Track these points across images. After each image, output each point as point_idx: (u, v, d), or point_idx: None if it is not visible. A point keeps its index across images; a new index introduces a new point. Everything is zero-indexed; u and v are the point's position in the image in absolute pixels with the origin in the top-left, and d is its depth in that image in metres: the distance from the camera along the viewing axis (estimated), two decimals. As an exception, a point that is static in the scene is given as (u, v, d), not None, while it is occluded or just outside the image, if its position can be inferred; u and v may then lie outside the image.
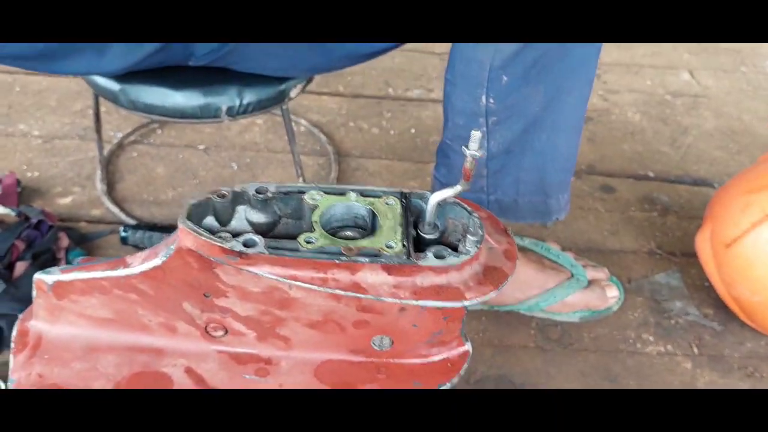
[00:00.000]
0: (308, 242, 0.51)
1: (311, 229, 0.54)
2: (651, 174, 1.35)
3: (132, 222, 1.11)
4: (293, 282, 0.50)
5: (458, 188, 0.52)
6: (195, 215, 0.55)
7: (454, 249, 0.53)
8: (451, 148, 0.84)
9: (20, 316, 0.61)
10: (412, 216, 0.55)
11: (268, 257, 0.50)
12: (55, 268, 0.58)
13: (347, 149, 1.37)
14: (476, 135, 0.48)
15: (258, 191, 0.56)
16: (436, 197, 0.53)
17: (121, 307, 0.58)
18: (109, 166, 1.23)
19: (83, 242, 1.07)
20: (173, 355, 0.59)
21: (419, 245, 0.54)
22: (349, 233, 0.56)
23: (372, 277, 0.50)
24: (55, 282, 0.57)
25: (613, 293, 1.03)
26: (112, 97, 0.97)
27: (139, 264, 0.55)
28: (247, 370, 0.59)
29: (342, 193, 0.57)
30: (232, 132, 1.36)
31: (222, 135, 1.34)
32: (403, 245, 0.51)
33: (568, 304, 1.01)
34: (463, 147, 0.50)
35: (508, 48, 0.72)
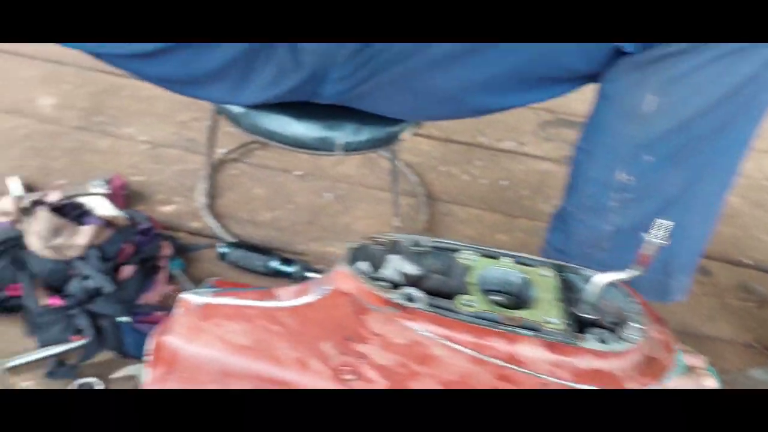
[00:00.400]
0: (466, 305, 0.51)
1: (465, 290, 0.53)
2: (748, 261, 1.31)
3: (230, 239, 1.13)
4: (449, 343, 0.50)
5: (631, 273, 0.51)
6: (352, 258, 0.55)
7: (610, 332, 0.52)
8: (573, 215, 0.83)
9: (155, 329, 0.62)
10: (569, 292, 0.54)
11: (428, 314, 0.50)
12: (205, 290, 0.58)
13: (437, 193, 1.37)
14: (666, 224, 0.47)
15: (414, 243, 0.56)
16: (603, 279, 0.52)
17: (260, 336, 0.58)
18: (210, 177, 1.25)
19: (183, 252, 1.08)
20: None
21: (577, 325, 0.52)
22: (499, 298, 0.55)
23: (531, 351, 0.49)
24: (204, 304, 0.57)
25: (709, 384, 1.00)
26: (234, 118, 0.99)
27: (289, 298, 0.56)
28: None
29: (495, 257, 0.56)
30: (327, 162, 1.37)
31: (318, 164, 1.36)
32: (566, 323, 0.50)
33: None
34: (646, 234, 0.49)
35: (657, 128, 0.71)
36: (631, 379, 0.49)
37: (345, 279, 0.53)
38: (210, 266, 1.08)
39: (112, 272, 0.94)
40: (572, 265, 0.56)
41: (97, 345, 0.91)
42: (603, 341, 0.50)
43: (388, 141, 1.02)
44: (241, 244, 1.08)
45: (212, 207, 1.20)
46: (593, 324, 0.52)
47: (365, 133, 0.99)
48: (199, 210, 1.18)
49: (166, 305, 1.00)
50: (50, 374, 0.87)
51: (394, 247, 0.56)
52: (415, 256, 0.56)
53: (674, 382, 0.96)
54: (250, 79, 0.84)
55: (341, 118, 0.98)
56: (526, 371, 0.49)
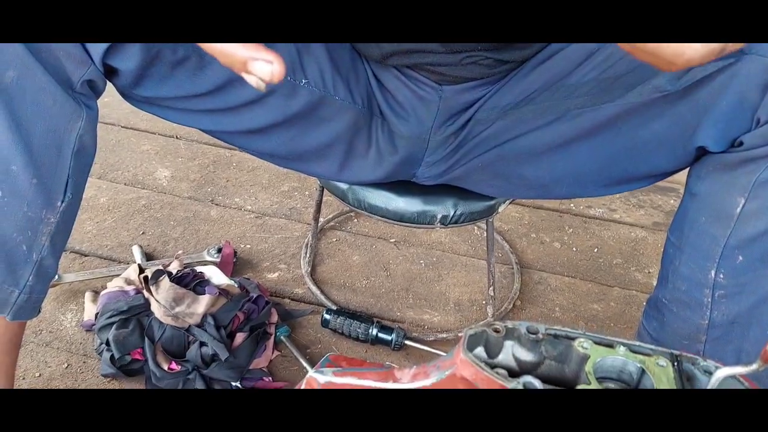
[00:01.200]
0: (586, 394, 0.53)
1: (580, 378, 0.55)
2: None
3: (330, 305, 1.18)
4: (569, 432, 0.52)
5: (753, 367, 0.52)
6: (469, 344, 0.58)
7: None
8: (667, 307, 0.83)
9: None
10: (687, 383, 0.55)
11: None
12: (328, 369, 0.63)
13: (529, 261, 1.38)
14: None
15: (530, 331, 0.58)
16: (724, 372, 0.53)
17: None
18: (312, 243, 1.32)
19: (288, 319, 1.14)
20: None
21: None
22: (611, 385, 0.57)
23: (650, 442, 0.51)
24: (327, 382, 0.62)
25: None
26: (340, 194, 1.05)
27: (408, 380, 0.59)
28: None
29: (611, 345, 0.58)
30: (420, 230, 1.42)
31: (412, 231, 1.41)
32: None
33: None
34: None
35: (748, 230, 0.72)
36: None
37: (465, 366, 0.56)
38: (313, 332, 1.14)
39: (227, 339, 1.01)
40: (689, 354, 0.58)
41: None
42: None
43: (485, 214, 1.06)
44: (343, 312, 1.13)
45: (313, 274, 1.26)
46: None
47: (462, 207, 1.03)
48: (303, 277, 1.24)
49: (273, 369, 1.06)
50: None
51: (510, 333, 0.59)
52: (530, 344, 0.58)
53: None
54: (353, 159, 0.90)
55: (440, 194, 1.02)
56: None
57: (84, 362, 1.04)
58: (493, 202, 1.05)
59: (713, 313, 0.78)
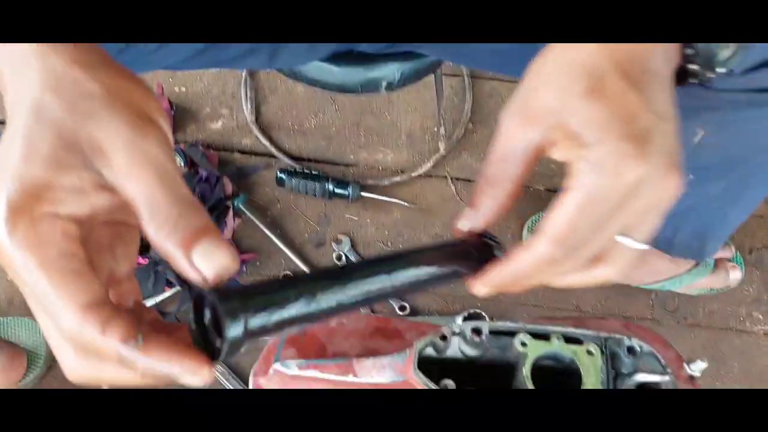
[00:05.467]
0: (523, 402, 0.60)
1: (520, 363, 0.62)
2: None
3: (282, 156, 1.17)
4: (508, 434, 0.60)
5: (665, 379, 0.58)
6: (419, 352, 0.63)
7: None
8: None
9: (253, 369, 0.73)
10: (612, 370, 0.62)
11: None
12: (292, 362, 0.68)
13: (480, 71, 1.32)
14: (702, 365, 0.54)
15: (474, 331, 0.63)
16: (641, 378, 0.60)
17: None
18: (250, 82, 1.25)
19: (240, 178, 1.15)
20: (382, 420, 0.72)
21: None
22: (550, 362, 0.64)
23: (575, 438, 0.60)
24: (294, 375, 0.68)
25: (736, 275, 1.09)
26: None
27: (365, 375, 0.66)
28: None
29: (548, 337, 0.63)
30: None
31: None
32: (604, 411, 0.60)
33: (692, 286, 1.08)
34: (685, 364, 0.55)
35: (702, 159, 0.71)
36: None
37: (414, 381, 0.62)
38: (270, 191, 1.15)
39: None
40: (617, 336, 0.64)
41: (188, 293, 1.04)
42: (637, 424, 0.60)
43: (431, 69, 1.00)
44: (297, 173, 1.13)
45: (258, 118, 1.21)
46: (630, 405, 0.62)
47: (408, 69, 0.97)
48: (248, 125, 1.20)
49: (237, 240, 1.10)
50: (155, 325, 1.01)
51: (458, 332, 0.64)
52: (475, 343, 0.63)
53: (701, 281, 1.06)
54: (283, 48, 0.82)
55: (383, 60, 0.95)
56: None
57: (52, 256, 1.07)
58: (437, 59, 0.98)
59: None
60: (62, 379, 0.97)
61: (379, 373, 0.65)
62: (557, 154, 0.37)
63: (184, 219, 0.31)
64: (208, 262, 0.30)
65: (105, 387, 0.35)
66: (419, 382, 0.61)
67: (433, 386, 0.61)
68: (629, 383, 0.61)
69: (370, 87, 0.97)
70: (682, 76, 0.43)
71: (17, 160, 0.29)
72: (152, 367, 0.30)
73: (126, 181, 0.30)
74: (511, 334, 0.64)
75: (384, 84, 0.97)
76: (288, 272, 1.08)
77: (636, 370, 0.62)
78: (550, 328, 0.64)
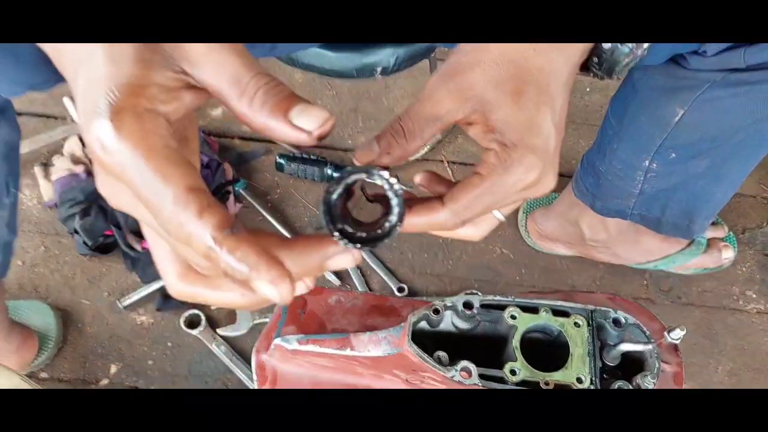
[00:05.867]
0: (512, 372, 0.62)
1: (510, 336, 0.64)
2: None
3: (281, 141, 1.19)
4: (498, 403, 0.63)
5: (648, 348, 0.61)
6: (413, 324, 0.65)
7: (633, 369, 0.64)
8: (604, 176, 0.87)
9: (255, 347, 0.76)
10: (598, 341, 0.65)
11: (481, 388, 0.62)
12: (292, 338, 0.71)
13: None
14: (681, 333, 0.56)
15: (465, 306, 0.65)
16: (625, 348, 0.62)
17: (342, 364, 0.72)
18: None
19: (241, 164, 1.17)
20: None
21: (603, 375, 0.64)
22: (539, 335, 0.67)
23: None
24: (294, 350, 0.70)
25: (728, 255, 1.11)
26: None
27: (364, 350, 0.68)
28: (436, 409, 0.74)
29: (536, 309, 0.66)
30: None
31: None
32: (593, 380, 0.62)
33: (685, 265, 1.10)
34: (666, 332, 0.58)
35: (683, 137, 0.73)
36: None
37: (408, 353, 0.64)
38: (270, 176, 1.17)
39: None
40: (603, 308, 0.66)
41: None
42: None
43: (426, 54, 1.02)
44: (296, 157, 1.15)
45: (259, 106, 1.24)
46: (615, 374, 0.64)
47: (402, 54, 0.99)
48: (248, 112, 1.22)
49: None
50: (159, 308, 1.04)
51: (451, 308, 0.66)
52: (466, 317, 0.66)
53: (694, 260, 1.08)
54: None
55: (377, 45, 0.97)
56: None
57: (59, 242, 1.09)
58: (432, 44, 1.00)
59: (644, 186, 0.84)
60: (71, 360, 1.00)
61: (375, 346, 0.68)
62: (470, 132, 0.42)
63: (272, 88, 0.32)
64: (308, 118, 0.32)
65: (201, 302, 0.37)
66: (413, 353, 0.64)
67: (426, 357, 0.64)
68: (614, 353, 0.63)
69: (365, 72, 0.99)
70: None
71: (106, 67, 0.31)
72: (234, 266, 0.30)
73: (210, 68, 0.32)
74: (502, 307, 0.66)
75: (379, 69, 0.99)
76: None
77: (621, 341, 0.64)
78: (538, 301, 0.66)
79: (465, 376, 0.63)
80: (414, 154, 0.44)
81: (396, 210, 0.36)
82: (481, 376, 0.63)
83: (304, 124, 0.32)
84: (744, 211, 1.20)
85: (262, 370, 0.75)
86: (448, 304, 0.66)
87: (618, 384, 0.63)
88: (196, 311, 1.03)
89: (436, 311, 0.66)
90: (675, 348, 0.68)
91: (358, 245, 0.35)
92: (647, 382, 0.62)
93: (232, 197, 1.11)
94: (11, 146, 0.68)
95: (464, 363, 0.63)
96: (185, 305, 1.04)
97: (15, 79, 0.49)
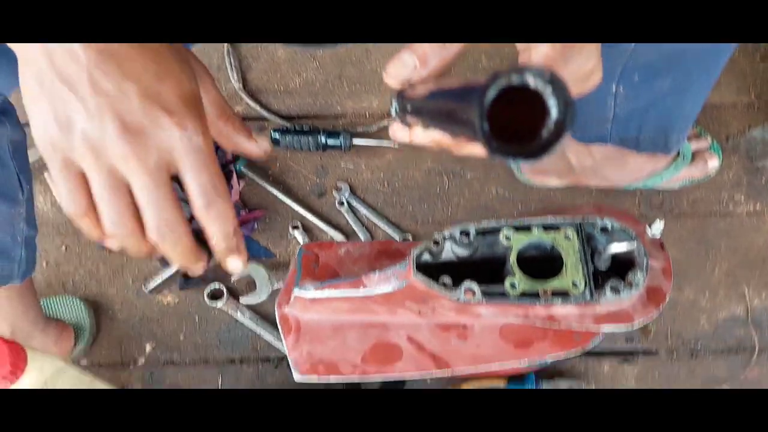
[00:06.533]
0: (512, 286, 0.68)
1: (507, 257, 0.70)
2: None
3: (273, 118, 1.24)
4: (503, 318, 0.69)
5: (633, 246, 0.66)
6: (417, 258, 0.71)
7: (623, 270, 0.69)
8: (577, 103, 0.92)
9: (277, 301, 0.82)
10: (588, 248, 0.70)
11: (485, 304, 0.68)
12: (310, 286, 0.76)
13: None
14: (660, 225, 0.61)
15: (462, 233, 0.71)
16: (613, 249, 0.67)
17: (357, 305, 0.77)
18: (233, 52, 1.31)
19: (239, 145, 1.22)
20: (396, 328, 0.80)
21: (596, 274, 0.70)
22: (535, 252, 0.72)
23: (563, 310, 0.68)
24: (312, 298, 0.76)
25: (714, 163, 1.16)
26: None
27: (374, 287, 0.74)
28: (451, 335, 0.80)
29: (529, 228, 0.71)
30: None
31: None
32: (587, 282, 0.68)
33: (673, 179, 1.15)
34: (647, 227, 0.63)
35: (640, 60, 0.78)
36: (637, 312, 0.68)
37: (416, 282, 0.70)
38: (270, 154, 1.22)
39: (196, 195, 1.10)
40: (590, 218, 0.71)
41: (208, 255, 1.12)
42: (616, 290, 0.68)
43: None
44: (288, 130, 1.20)
45: (246, 86, 1.28)
46: (608, 275, 0.70)
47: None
48: (237, 93, 1.27)
49: (244, 200, 1.18)
50: (182, 287, 1.10)
51: (449, 237, 0.72)
52: (465, 244, 0.71)
53: (680, 173, 1.13)
54: None
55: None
56: (560, 326, 0.68)
57: (78, 240, 1.15)
58: None
59: (616, 110, 0.89)
60: (108, 346, 1.06)
61: (385, 282, 0.73)
62: None
63: (241, 120, 0.53)
64: (263, 141, 0.54)
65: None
66: (419, 281, 0.70)
67: (432, 283, 0.69)
68: (605, 257, 0.68)
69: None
70: None
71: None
72: None
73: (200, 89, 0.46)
74: (497, 231, 0.72)
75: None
76: (296, 222, 1.15)
77: (610, 244, 0.69)
78: (530, 220, 0.71)
79: (470, 295, 0.68)
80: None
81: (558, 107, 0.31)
82: (485, 293, 0.69)
83: (262, 144, 0.52)
84: (725, 120, 1.24)
85: (286, 322, 0.80)
86: (446, 235, 0.71)
87: (611, 283, 0.68)
88: (216, 285, 1.09)
89: (436, 242, 0.71)
90: (661, 245, 0.73)
91: (525, 157, 0.30)
92: (637, 278, 0.68)
93: (234, 176, 1.16)
94: (17, 145, 0.73)
95: (467, 283, 0.69)
96: (206, 282, 1.09)
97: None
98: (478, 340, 0.79)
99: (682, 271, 1.12)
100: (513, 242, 0.70)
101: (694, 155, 1.15)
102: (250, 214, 1.16)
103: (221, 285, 1.09)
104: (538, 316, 0.68)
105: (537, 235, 0.71)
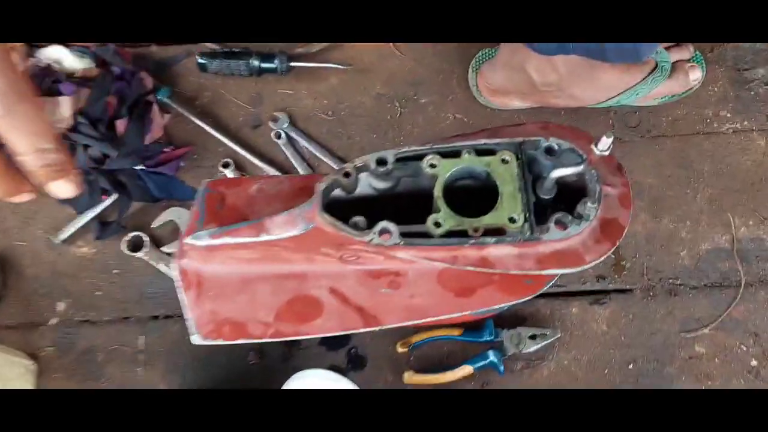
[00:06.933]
0: (436, 224, 0.56)
1: (435, 207, 0.57)
2: None
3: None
4: (426, 262, 0.57)
5: (580, 169, 0.53)
6: (325, 195, 0.59)
7: (574, 201, 0.57)
8: None
9: (173, 254, 0.70)
10: (530, 175, 0.58)
11: (403, 247, 0.56)
12: (203, 233, 0.64)
13: None
14: (608, 141, 0.49)
15: (378, 163, 0.58)
16: (556, 174, 0.55)
17: (266, 253, 0.66)
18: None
19: (161, 71, 1.08)
20: (316, 278, 0.68)
21: (538, 207, 0.57)
22: (467, 182, 0.60)
23: (498, 251, 0.56)
24: (206, 246, 0.64)
25: (696, 75, 1.02)
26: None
27: (278, 231, 0.62)
28: (381, 283, 0.68)
29: (458, 153, 0.58)
30: None
31: None
32: (527, 217, 0.56)
33: (650, 95, 1.01)
34: (592, 144, 0.50)
35: None
36: (589, 252, 0.56)
37: (324, 224, 0.58)
38: (195, 79, 1.08)
39: (108, 132, 0.97)
40: (532, 139, 0.58)
41: (126, 199, 1.00)
42: (563, 224, 0.56)
43: None
44: (217, 53, 1.06)
45: (170, 6, 1.13)
46: (553, 207, 0.57)
47: None
48: (159, 15, 1.12)
49: (170, 135, 1.05)
50: (99, 237, 0.98)
51: (362, 169, 0.59)
52: (383, 175, 0.59)
53: (659, 88, 0.99)
54: None
55: None
56: (495, 270, 0.57)
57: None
58: None
59: None
60: (15, 305, 0.95)
61: (291, 225, 0.61)
62: None
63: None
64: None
65: None
66: (325, 223, 0.57)
67: (339, 224, 0.57)
68: (548, 184, 0.56)
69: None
70: None
71: None
72: None
73: None
74: (420, 158, 0.59)
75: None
76: (227, 159, 1.03)
77: (554, 169, 0.57)
78: (460, 143, 0.59)
79: (386, 236, 0.56)
80: None
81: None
82: (403, 235, 0.56)
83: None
84: (711, 28, 1.10)
85: (185, 276, 0.69)
86: (359, 165, 0.59)
87: (556, 216, 0.56)
88: (137, 233, 0.97)
89: (347, 174, 0.59)
90: (619, 168, 0.61)
91: None
92: (588, 209, 0.56)
93: (155, 108, 1.03)
94: None
95: (383, 224, 0.57)
96: (125, 230, 0.98)
97: None
98: (412, 289, 0.67)
99: (661, 198, 1.00)
100: (439, 170, 0.58)
101: (674, 67, 1.01)
102: (175, 152, 1.03)
103: (142, 233, 0.97)
104: (468, 258, 0.57)
105: (467, 161, 0.58)
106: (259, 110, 1.07)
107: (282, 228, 0.62)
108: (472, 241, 0.55)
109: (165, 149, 1.03)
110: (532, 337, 0.90)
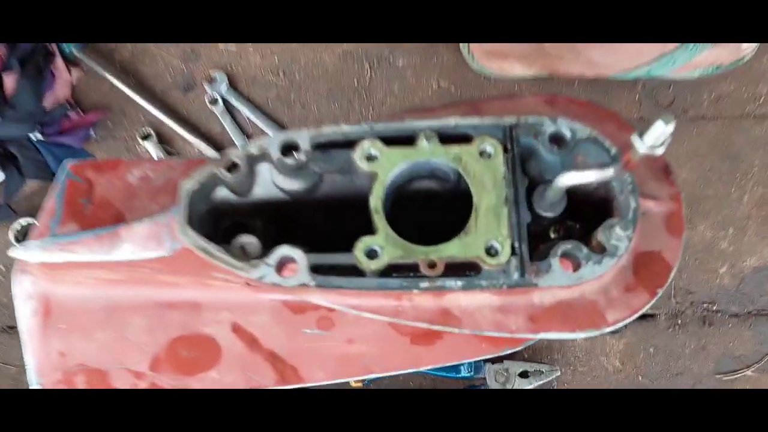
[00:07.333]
0: (371, 255, 0.34)
1: (372, 225, 0.36)
2: None
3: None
4: (353, 311, 0.36)
5: (608, 173, 0.32)
6: (198, 199, 0.37)
7: (589, 221, 0.35)
8: None
9: (14, 266, 0.49)
10: (524, 178, 0.36)
11: (316, 290, 0.35)
12: (33, 243, 0.43)
13: None
14: (665, 129, 0.27)
15: (285, 150, 0.36)
16: (567, 179, 0.33)
17: (133, 272, 0.45)
18: None
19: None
20: (214, 310, 0.48)
21: (535, 230, 0.36)
22: (424, 185, 0.38)
23: (468, 300, 0.35)
24: (39, 263, 0.43)
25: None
26: None
27: (136, 247, 0.41)
28: (306, 321, 0.47)
29: (411, 140, 0.37)
30: None
31: None
32: (513, 249, 0.34)
33: (691, 64, 0.79)
34: (635, 135, 0.29)
35: None
36: (613, 305, 0.35)
37: (189, 245, 0.36)
38: (114, 27, 0.87)
39: (-8, 90, 0.77)
40: (529, 120, 0.36)
41: (17, 177, 0.80)
42: (574, 260, 0.34)
43: None
44: (138, -6, 0.83)
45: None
46: (558, 231, 0.36)
47: None
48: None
49: (78, 97, 0.84)
50: (-17, 223, 0.79)
51: (259, 159, 0.37)
52: (293, 170, 0.37)
53: (703, 55, 0.77)
54: None
55: None
56: (463, 330, 0.35)
57: None
58: None
59: None
60: None
61: (155, 242, 0.40)
62: None
63: None
64: None
65: None
66: (192, 244, 0.36)
67: (212, 248, 0.36)
68: (552, 194, 0.35)
69: None
70: None
71: None
72: None
73: None
74: (351, 144, 0.37)
75: None
76: (149, 129, 0.81)
77: (565, 171, 0.35)
78: (413, 123, 0.37)
79: (287, 273, 0.35)
80: None
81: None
82: (317, 269, 0.35)
83: None
84: (769, -17, 0.87)
85: (28, 300, 0.48)
86: (255, 153, 0.37)
87: (563, 247, 0.34)
88: (31, 219, 0.77)
89: (233, 166, 0.37)
90: (665, 170, 0.39)
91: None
92: (616, 236, 0.34)
93: (59, 60, 0.82)
94: None
95: (283, 250, 0.35)
96: (16, 215, 0.78)
97: None
98: (350, 331, 0.47)
99: (697, 198, 0.80)
100: (380, 165, 0.36)
101: (724, 31, 0.79)
102: (83, 118, 0.83)
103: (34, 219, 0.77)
104: (418, 311, 0.35)
105: (426, 151, 0.36)
106: (192, 69, 0.85)
107: (142, 243, 0.40)
108: (425, 284, 0.34)
109: (70, 114, 0.82)
110: (524, 375, 0.71)
